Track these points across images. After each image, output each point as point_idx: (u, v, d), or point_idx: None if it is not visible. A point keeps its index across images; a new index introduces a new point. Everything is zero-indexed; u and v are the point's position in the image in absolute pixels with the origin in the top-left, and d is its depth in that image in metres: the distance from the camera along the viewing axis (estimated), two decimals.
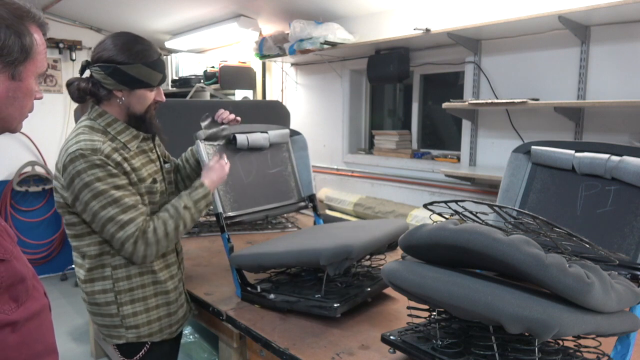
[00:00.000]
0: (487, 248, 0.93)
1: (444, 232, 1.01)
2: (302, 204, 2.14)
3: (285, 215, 2.86)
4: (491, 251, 0.93)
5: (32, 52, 0.89)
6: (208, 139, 1.81)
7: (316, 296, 1.54)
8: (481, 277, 1.01)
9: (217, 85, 3.84)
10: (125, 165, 1.43)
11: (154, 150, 1.60)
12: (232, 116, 1.80)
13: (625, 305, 0.99)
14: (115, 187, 1.39)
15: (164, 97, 1.57)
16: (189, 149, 1.82)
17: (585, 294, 0.87)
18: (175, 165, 1.81)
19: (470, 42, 2.59)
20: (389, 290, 1.70)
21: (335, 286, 1.61)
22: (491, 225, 1.08)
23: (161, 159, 1.63)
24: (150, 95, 1.51)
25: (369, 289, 1.59)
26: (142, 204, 1.45)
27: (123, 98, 1.47)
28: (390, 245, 1.69)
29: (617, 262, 1.15)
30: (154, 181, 1.52)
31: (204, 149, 1.77)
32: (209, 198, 1.58)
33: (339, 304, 1.47)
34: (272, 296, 1.60)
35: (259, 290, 1.65)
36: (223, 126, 1.81)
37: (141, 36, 1.49)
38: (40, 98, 0.97)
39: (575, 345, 1.12)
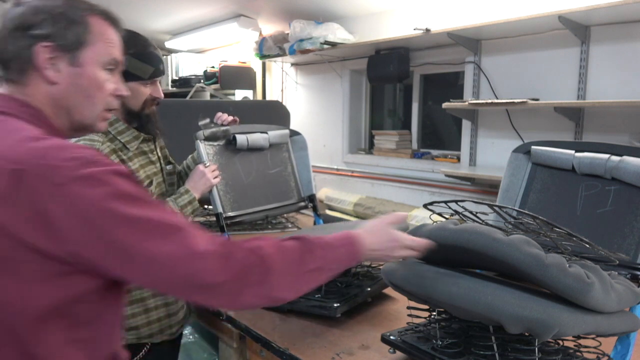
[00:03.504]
0: (487, 248, 0.93)
1: (444, 232, 1.01)
2: (302, 204, 2.14)
3: (285, 215, 2.85)
4: (491, 251, 0.93)
5: (87, 39, 0.88)
6: (208, 139, 1.81)
7: (316, 296, 1.54)
8: (481, 277, 1.01)
9: (217, 85, 3.84)
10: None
11: (154, 152, 1.59)
12: (231, 117, 1.80)
13: (625, 305, 0.99)
14: None
15: (161, 94, 1.53)
16: (191, 155, 1.82)
17: (585, 294, 0.87)
18: (178, 170, 1.81)
19: (470, 42, 2.59)
20: (389, 290, 1.70)
21: (335, 286, 1.61)
22: (491, 225, 1.08)
23: (162, 161, 1.62)
24: (144, 90, 1.47)
25: (369, 289, 1.59)
26: None
27: None
28: None
29: (617, 262, 1.15)
30: (151, 183, 1.52)
31: (204, 149, 1.77)
32: (195, 204, 1.61)
33: (339, 304, 1.47)
34: None
35: None
36: (223, 127, 1.81)
37: (135, 31, 1.45)
38: (122, 95, 0.96)
39: (575, 345, 1.12)
